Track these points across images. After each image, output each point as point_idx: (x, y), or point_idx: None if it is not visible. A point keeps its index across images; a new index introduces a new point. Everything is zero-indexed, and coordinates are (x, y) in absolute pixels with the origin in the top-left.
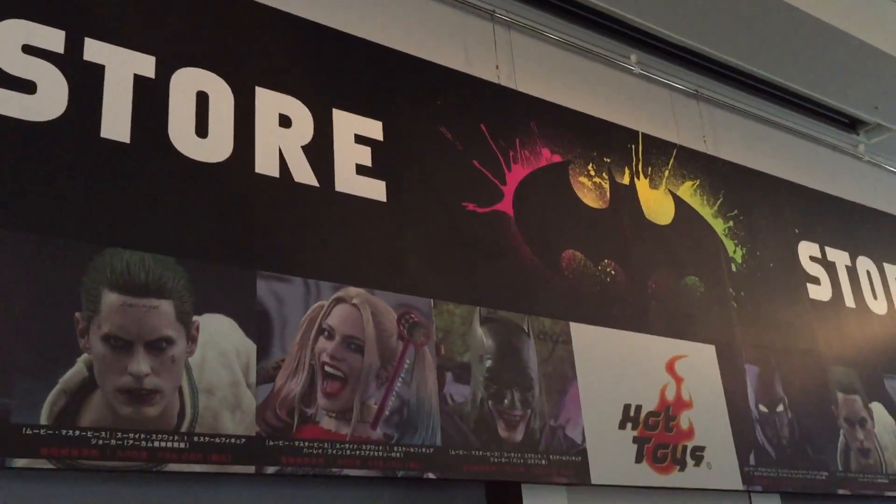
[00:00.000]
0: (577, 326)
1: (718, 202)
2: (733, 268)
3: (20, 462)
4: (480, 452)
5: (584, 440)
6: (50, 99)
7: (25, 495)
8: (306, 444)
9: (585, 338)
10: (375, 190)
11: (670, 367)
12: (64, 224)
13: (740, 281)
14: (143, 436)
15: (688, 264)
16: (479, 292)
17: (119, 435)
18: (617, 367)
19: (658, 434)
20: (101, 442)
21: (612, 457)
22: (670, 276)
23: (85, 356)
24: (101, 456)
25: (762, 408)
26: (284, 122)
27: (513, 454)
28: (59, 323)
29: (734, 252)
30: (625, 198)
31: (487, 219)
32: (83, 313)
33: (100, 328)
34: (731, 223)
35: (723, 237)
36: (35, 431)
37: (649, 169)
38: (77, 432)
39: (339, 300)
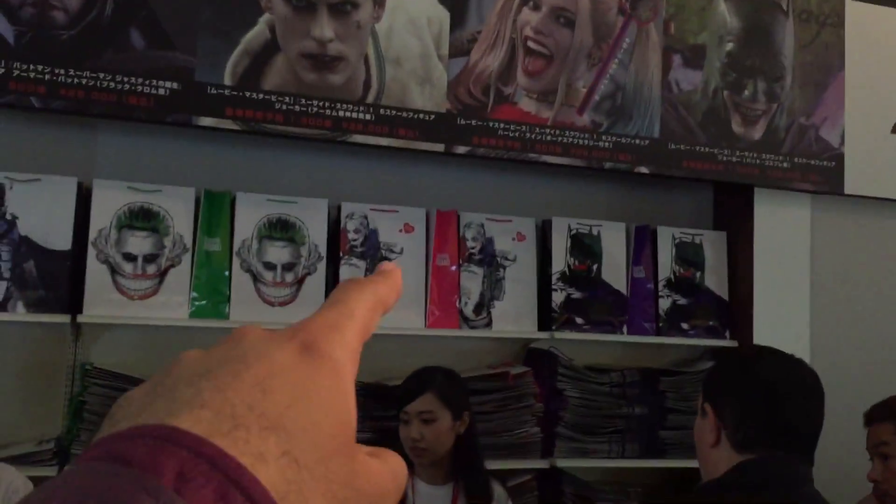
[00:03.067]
0: (855, 5)
1: None
2: None
3: (206, 121)
4: (707, 149)
5: (842, 143)
6: None
7: (213, 157)
8: (502, 125)
9: (865, 18)
10: None
11: None
12: None
13: None
14: (327, 104)
15: None
16: None
17: (303, 101)
18: None
19: None
20: (285, 107)
21: (876, 164)
22: None
23: (267, 16)
24: (286, 121)
25: None
26: None
27: (747, 153)
28: None
29: None
30: None
31: None
32: None
33: None
34: None
35: None
36: (220, 91)
37: None
38: (261, 95)
39: None
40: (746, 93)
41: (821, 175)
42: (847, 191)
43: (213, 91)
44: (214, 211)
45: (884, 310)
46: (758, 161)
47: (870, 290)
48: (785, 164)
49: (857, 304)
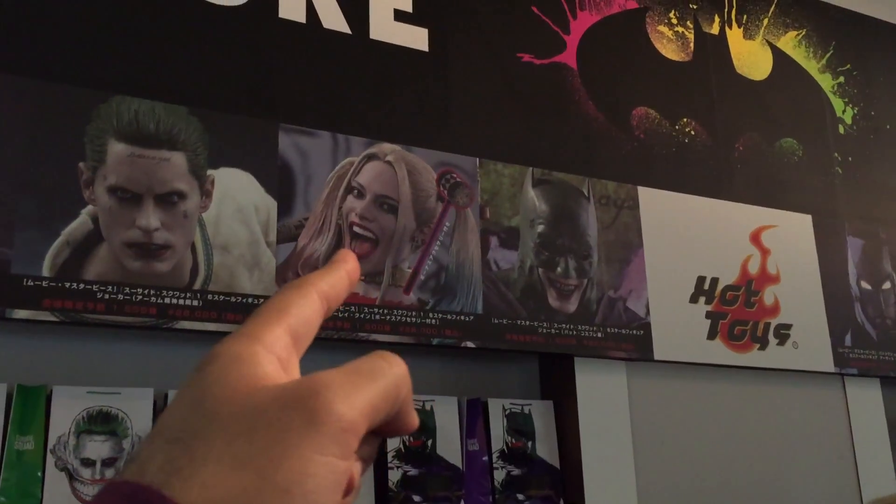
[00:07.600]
0: (646, 191)
1: (827, 55)
2: (841, 129)
3: (22, 313)
4: (527, 322)
5: (647, 313)
6: None
7: (29, 350)
8: None
9: (656, 203)
10: (416, 38)
11: (755, 238)
12: (66, 70)
13: (848, 145)
14: (152, 291)
15: (785, 124)
16: (532, 152)
17: (127, 290)
18: (691, 237)
19: (736, 310)
20: (107, 296)
21: (680, 332)
22: (763, 137)
23: (89, 208)
24: (108, 310)
25: (864, 285)
26: None
27: (564, 325)
28: (62, 173)
29: (843, 112)
30: (712, 50)
31: (546, 72)
32: (87, 164)
33: (105, 179)
34: (841, 79)
35: (830, 94)
36: (37, 283)
37: (744, 17)
38: (82, 285)
39: (370, 157)
40: (559, 269)
41: (632, 343)
42: (656, 357)
43: (30, 283)
44: (28, 407)
45: (702, 465)
46: (574, 332)
47: (687, 448)
48: (599, 335)
49: (676, 461)
